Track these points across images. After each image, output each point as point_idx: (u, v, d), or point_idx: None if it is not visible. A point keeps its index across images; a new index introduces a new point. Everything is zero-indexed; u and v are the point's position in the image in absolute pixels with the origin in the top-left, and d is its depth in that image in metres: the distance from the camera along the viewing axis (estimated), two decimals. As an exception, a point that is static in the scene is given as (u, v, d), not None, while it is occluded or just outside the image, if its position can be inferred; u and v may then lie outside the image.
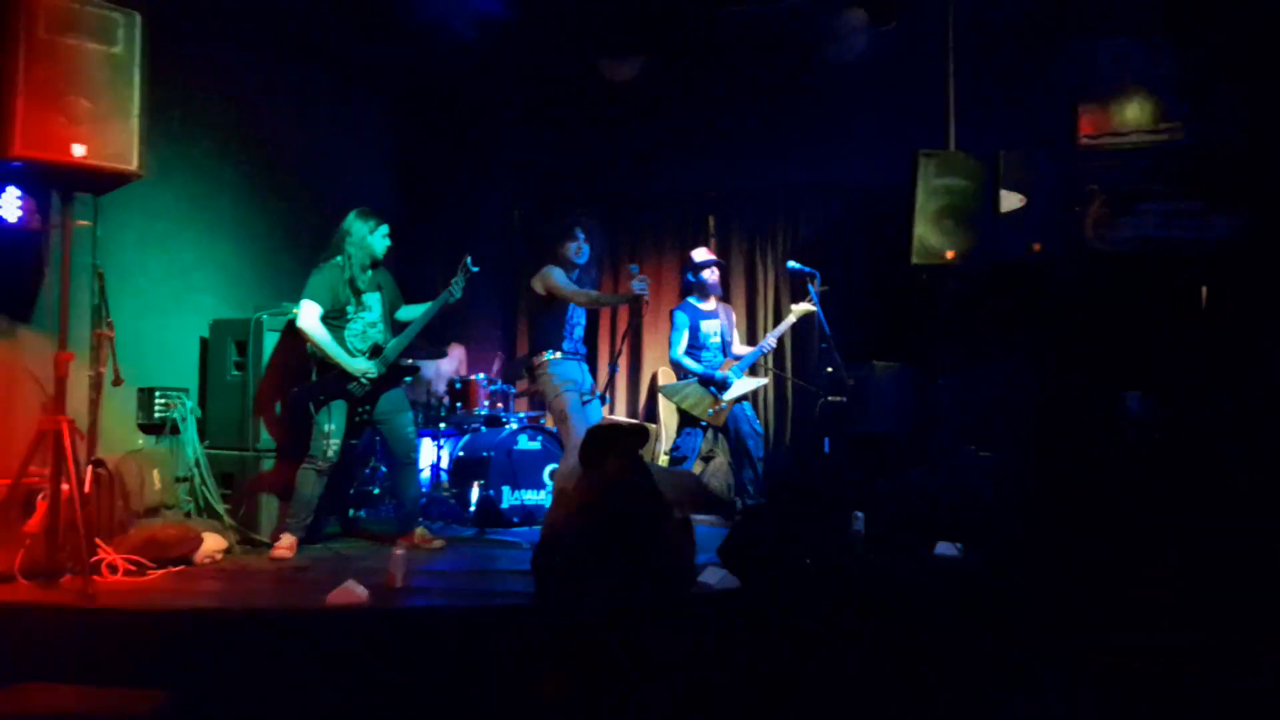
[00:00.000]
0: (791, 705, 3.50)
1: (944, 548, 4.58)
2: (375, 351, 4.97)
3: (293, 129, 6.23)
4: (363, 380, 4.90)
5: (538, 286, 5.09)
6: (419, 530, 5.09)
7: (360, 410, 4.96)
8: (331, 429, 4.83)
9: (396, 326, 5.15)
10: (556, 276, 5.03)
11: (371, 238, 4.96)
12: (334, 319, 4.91)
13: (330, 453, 4.83)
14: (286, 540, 4.76)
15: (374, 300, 5.03)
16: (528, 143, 7.67)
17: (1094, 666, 3.38)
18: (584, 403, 5.04)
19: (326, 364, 4.88)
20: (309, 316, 4.83)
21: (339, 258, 4.92)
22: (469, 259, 5.02)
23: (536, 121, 7.59)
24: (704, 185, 7.57)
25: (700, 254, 6.20)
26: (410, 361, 5.25)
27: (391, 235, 5.07)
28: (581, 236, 5.12)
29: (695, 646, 3.57)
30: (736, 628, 3.70)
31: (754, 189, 7.47)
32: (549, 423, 6.39)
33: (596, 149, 7.58)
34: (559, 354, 5.05)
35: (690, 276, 6.18)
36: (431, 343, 6.91)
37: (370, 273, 5.01)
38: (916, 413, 6.08)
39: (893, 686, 3.50)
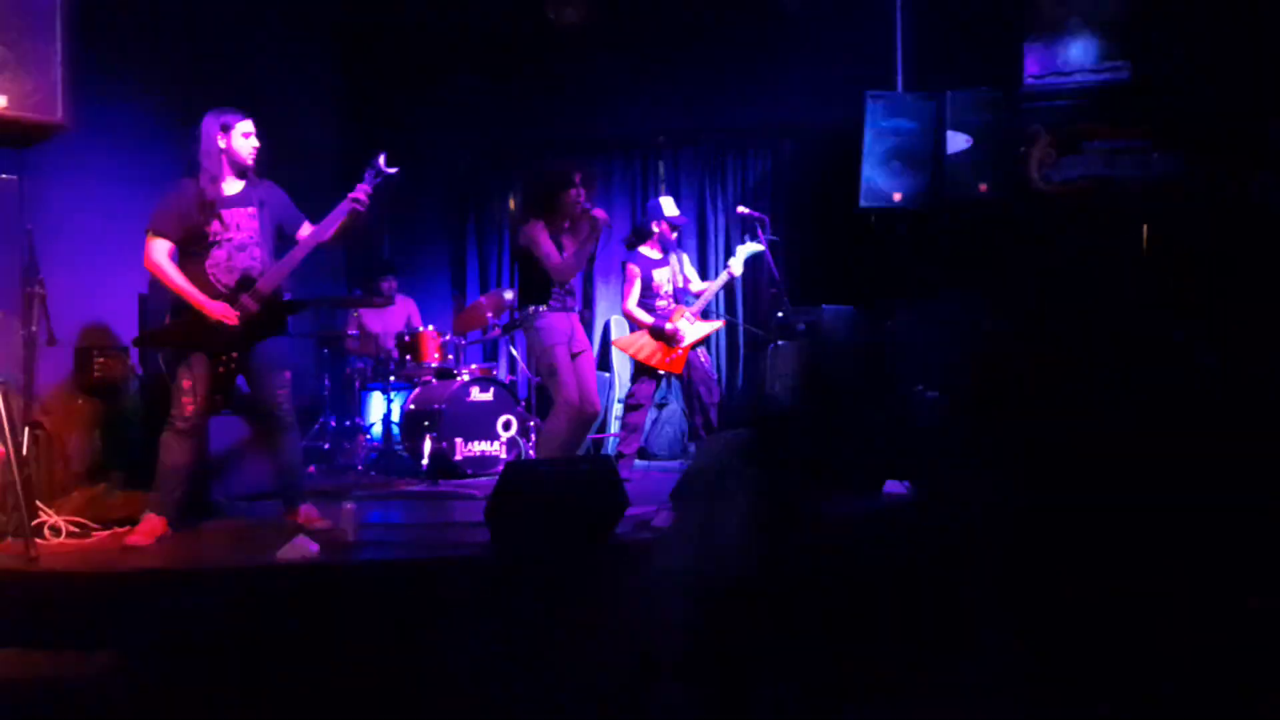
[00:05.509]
0: (743, 644, 3.54)
1: (892, 486, 4.65)
2: (244, 284, 4.06)
3: (232, 75, 6.03)
4: (223, 324, 4.01)
5: (521, 239, 4.82)
6: (304, 507, 4.22)
7: (224, 360, 4.07)
8: (190, 383, 4.01)
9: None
10: (538, 234, 4.74)
11: (227, 140, 4.06)
12: (194, 248, 4.04)
13: (189, 411, 4.00)
14: (146, 525, 3.93)
15: (246, 220, 4.10)
16: (474, 87, 7.53)
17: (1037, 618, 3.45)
18: (574, 357, 4.82)
19: (182, 305, 4.05)
20: (155, 253, 3.99)
21: (190, 176, 4.08)
22: (382, 157, 4.19)
23: (483, 65, 7.45)
24: (653, 129, 7.50)
25: (670, 207, 5.98)
26: (290, 296, 4.35)
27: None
28: (580, 185, 4.77)
29: (648, 589, 3.60)
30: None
31: (703, 132, 7.42)
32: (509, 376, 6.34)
33: (544, 92, 7.46)
34: (546, 307, 4.81)
35: (653, 227, 5.97)
36: (373, 291, 6.83)
37: (241, 185, 4.13)
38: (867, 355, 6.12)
39: (837, 627, 3.55)
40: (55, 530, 3.92)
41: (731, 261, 5.86)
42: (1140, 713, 2.84)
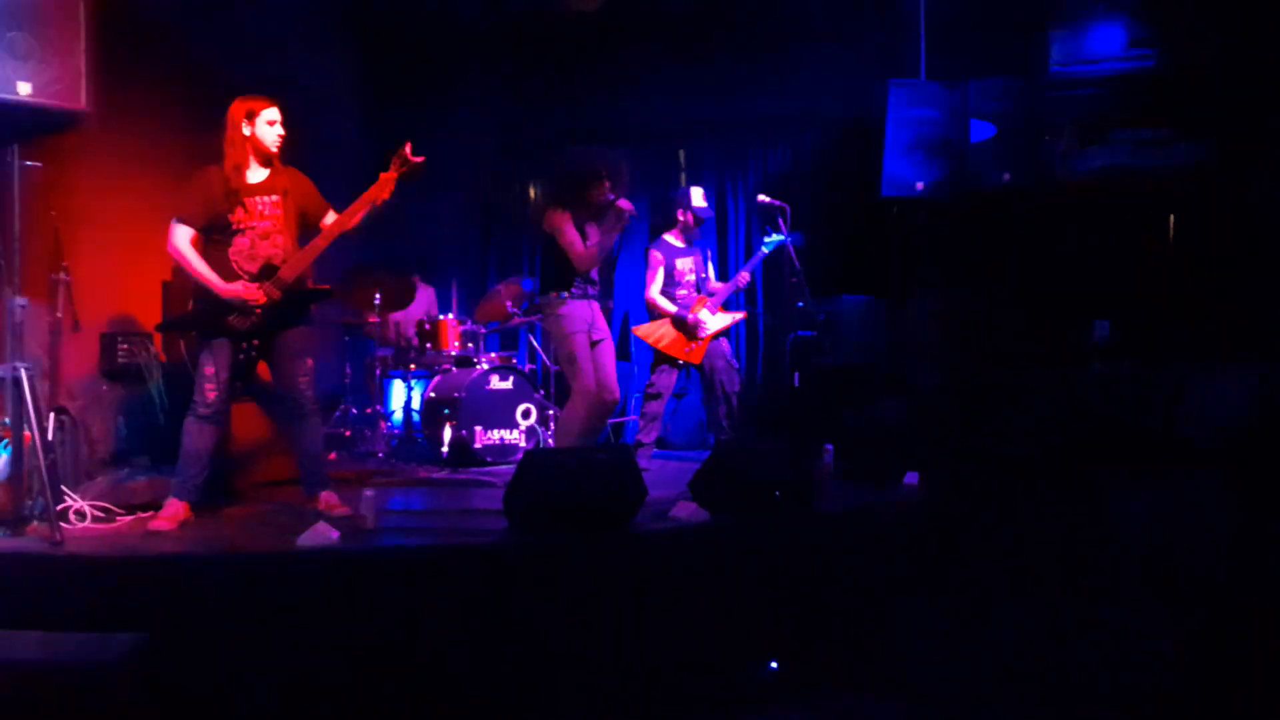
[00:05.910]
0: (756, 633, 3.55)
1: (914, 478, 4.64)
2: (267, 272, 4.04)
3: (253, 65, 6.01)
4: (244, 309, 4.01)
5: (546, 225, 4.82)
6: (325, 494, 4.22)
7: (246, 347, 4.07)
8: (212, 370, 4.01)
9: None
10: (563, 223, 4.74)
11: (251, 127, 4.05)
12: (218, 235, 4.04)
13: (211, 397, 4.01)
14: (170, 510, 3.97)
15: (270, 207, 4.08)
16: (494, 76, 7.53)
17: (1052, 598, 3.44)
18: (593, 345, 4.80)
19: (203, 291, 4.05)
20: (178, 239, 3.99)
21: (214, 163, 4.07)
22: (408, 146, 4.12)
23: (503, 54, 7.44)
24: (674, 118, 7.47)
25: (698, 199, 5.96)
26: (311, 285, 4.29)
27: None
28: (607, 177, 4.75)
29: (665, 579, 3.61)
30: (706, 560, 3.74)
31: (724, 121, 7.39)
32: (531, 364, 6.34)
33: (564, 82, 7.46)
34: (568, 295, 4.78)
35: (678, 215, 5.92)
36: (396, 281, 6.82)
37: (265, 173, 4.11)
38: (886, 345, 6.10)
39: (853, 618, 3.55)
40: (80, 515, 3.95)
41: (753, 259, 5.88)
42: (1139, 713, 2.83)
